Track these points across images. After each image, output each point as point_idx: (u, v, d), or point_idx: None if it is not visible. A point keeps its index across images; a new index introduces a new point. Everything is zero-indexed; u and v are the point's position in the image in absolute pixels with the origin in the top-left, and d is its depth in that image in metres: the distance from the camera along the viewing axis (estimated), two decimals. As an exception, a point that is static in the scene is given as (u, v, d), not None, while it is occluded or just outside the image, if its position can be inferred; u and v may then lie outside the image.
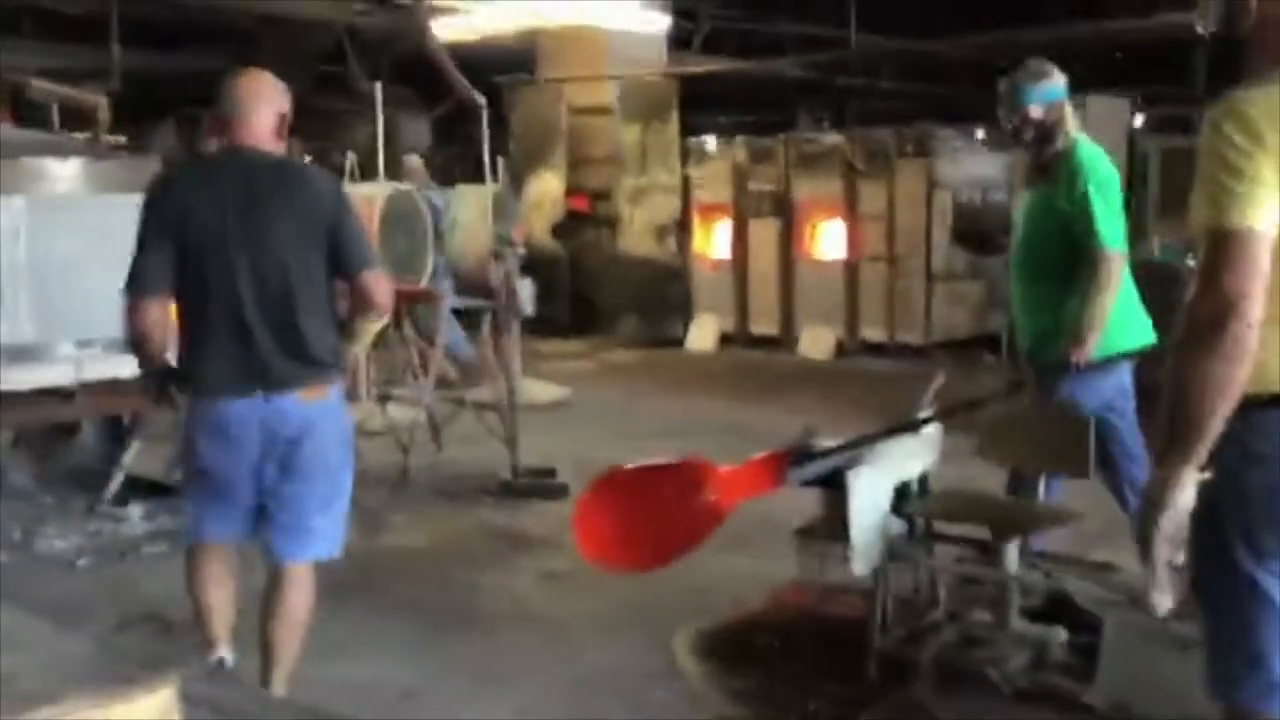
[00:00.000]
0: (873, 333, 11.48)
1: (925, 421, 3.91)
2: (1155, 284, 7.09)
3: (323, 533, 3.34)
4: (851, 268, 11.52)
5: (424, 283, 7.29)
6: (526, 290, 8.16)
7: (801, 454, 3.69)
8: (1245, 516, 2.03)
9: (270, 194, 3.23)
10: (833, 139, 11.85)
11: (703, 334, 12.30)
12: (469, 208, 7.80)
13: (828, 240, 11.83)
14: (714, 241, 12.54)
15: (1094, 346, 3.93)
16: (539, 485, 6.17)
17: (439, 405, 6.99)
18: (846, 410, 8.58)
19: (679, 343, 12.36)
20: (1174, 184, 9.15)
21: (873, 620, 3.68)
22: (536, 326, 8.91)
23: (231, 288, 3.19)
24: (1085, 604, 3.78)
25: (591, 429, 7.87)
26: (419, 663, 3.93)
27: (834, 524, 3.82)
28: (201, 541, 3.40)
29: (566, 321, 12.60)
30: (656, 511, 3.66)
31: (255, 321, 3.19)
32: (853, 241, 11.52)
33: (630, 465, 4.04)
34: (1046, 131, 4.07)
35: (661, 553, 3.76)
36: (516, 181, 11.95)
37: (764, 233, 12.01)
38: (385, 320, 3.48)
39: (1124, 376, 4.10)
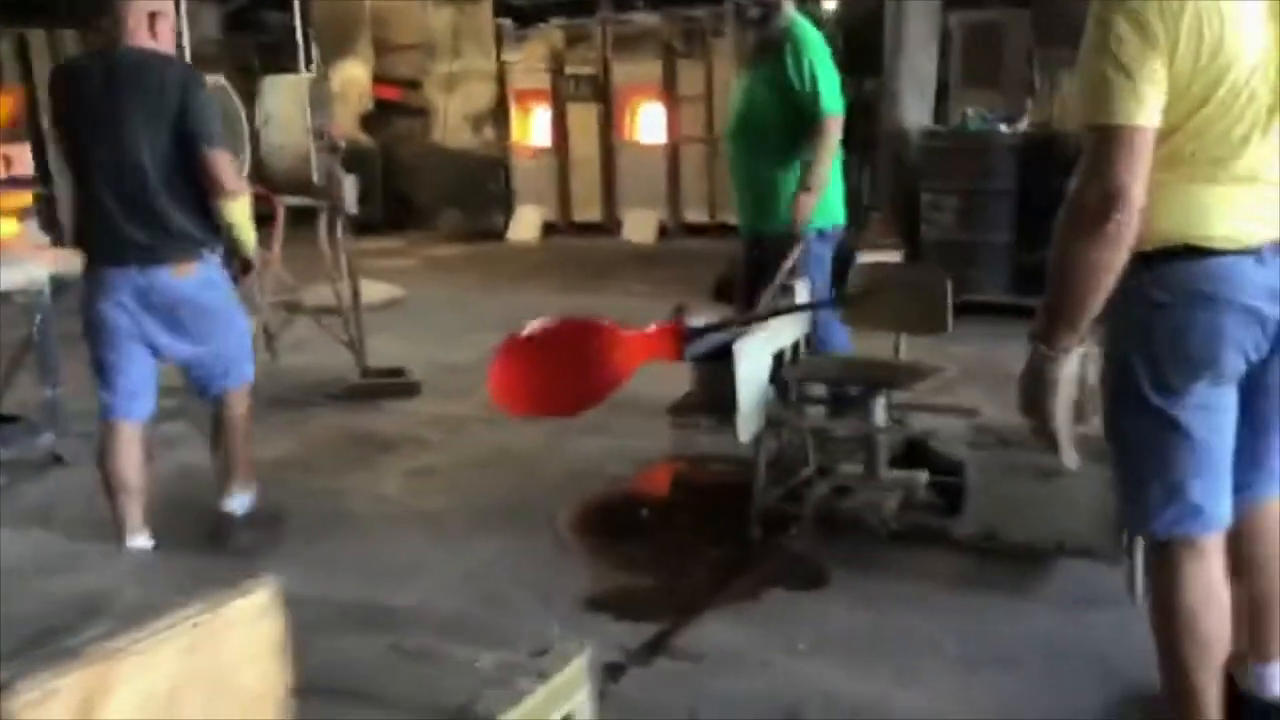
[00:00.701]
0: (694, 214, 11.60)
1: (812, 307, 4.03)
2: (969, 153, 7.44)
3: (236, 368, 3.91)
4: (672, 150, 11.55)
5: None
6: (350, 187, 7.88)
7: (700, 329, 3.73)
8: (1153, 360, 2.16)
9: (125, 85, 3.52)
10: (650, 19, 11.75)
11: (525, 224, 12.17)
12: (283, 100, 7.40)
13: (648, 124, 11.81)
14: (533, 129, 12.34)
15: (814, 209, 4.31)
16: (391, 384, 6.03)
17: (273, 313, 6.70)
18: (675, 289, 8.72)
19: (501, 235, 12.20)
20: (975, 57, 9.46)
21: (756, 482, 3.77)
22: (351, 224, 8.64)
23: (102, 171, 3.55)
24: (939, 448, 4.01)
25: (428, 327, 7.75)
26: (302, 572, 3.81)
27: (713, 396, 3.89)
28: (112, 419, 3.68)
29: (381, 218, 12.24)
30: (566, 365, 3.66)
31: (122, 201, 3.54)
32: (672, 124, 11.53)
33: (543, 321, 4.04)
34: (768, 10, 4.39)
35: (568, 403, 3.77)
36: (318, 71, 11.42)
37: (584, 118, 11.89)
38: (241, 203, 3.71)
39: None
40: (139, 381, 3.68)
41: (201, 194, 3.59)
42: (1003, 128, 7.25)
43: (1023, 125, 7.30)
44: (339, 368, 6.32)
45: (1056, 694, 2.86)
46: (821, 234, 4.44)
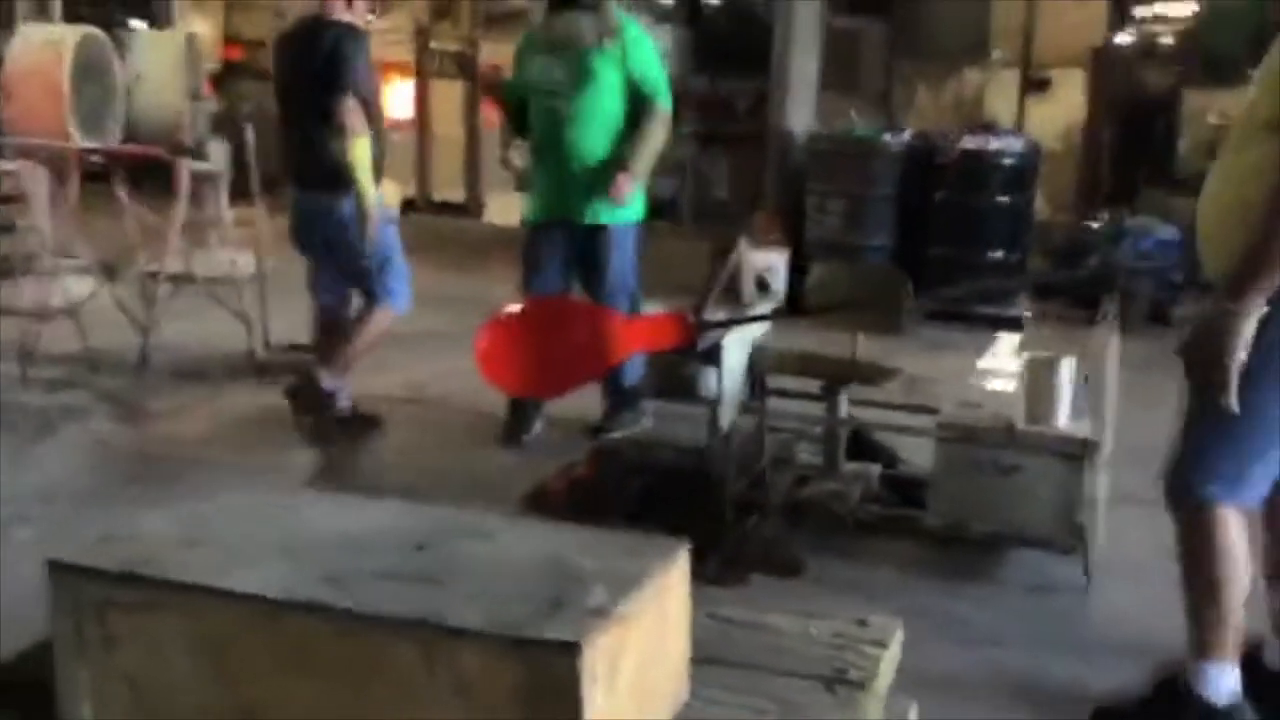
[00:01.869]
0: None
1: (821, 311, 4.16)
2: (854, 158, 7.77)
3: (383, 291, 4.99)
4: (539, 134, 11.53)
5: (114, 141, 6.60)
6: (221, 150, 7.64)
7: (719, 322, 3.80)
8: None
9: (303, 45, 4.66)
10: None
11: (384, 198, 11.91)
12: (156, 58, 7.09)
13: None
14: (393, 102, 12.07)
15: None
16: (303, 361, 5.87)
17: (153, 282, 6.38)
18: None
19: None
20: (833, 64, 9.82)
21: (728, 468, 3.89)
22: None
23: (289, 119, 4.87)
24: (878, 441, 4.27)
25: (305, 300, 7.50)
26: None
27: (685, 386, 4.02)
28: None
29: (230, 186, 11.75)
30: (559, 343, 3.64)
31: (296, 142, 4.82)
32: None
33: (537, 299, 4.04)
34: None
35: (555, 383, 3.76)
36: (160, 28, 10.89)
37: (448, 95, 11.73)
38: (358, 145, 4.52)
39: None
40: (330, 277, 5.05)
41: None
42: (887, 136, 7.61)
43: (906, 135, 7.68)
44: (231, 343, 6.12)
45: (1041, 670, 3.13)
46: (637, 224, 4.72)
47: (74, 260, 6.30)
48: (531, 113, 4.65)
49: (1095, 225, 8.46)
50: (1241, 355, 2.33)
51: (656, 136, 4.51)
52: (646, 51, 4.55)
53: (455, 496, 4.13)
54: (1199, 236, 2.60)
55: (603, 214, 4.60)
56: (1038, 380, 3.69)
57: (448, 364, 5.94)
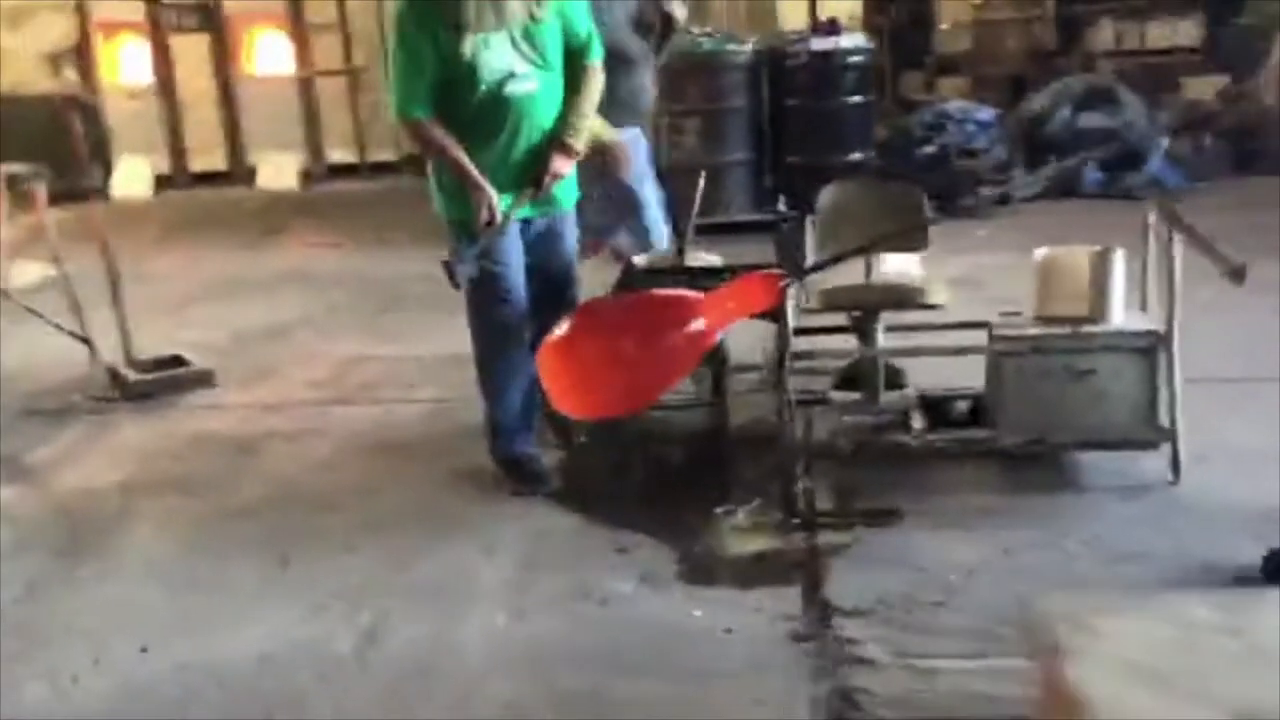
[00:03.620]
0: (340, 154, 10.76)
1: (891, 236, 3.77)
2: (704, 73, 7.45)
3: None
4: (306, 85, 10.58)
5: None
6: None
7: (802, 269, 3.41)
8: None
9: None
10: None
11: (131, 178, 10.63)
12: None
13: (269, 55, 10.71)
14: (126, 66, 10.76)
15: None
16: (183, 376, 5.07)
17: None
18: (371, 238, 8.10)
19: (103, 193, 10.57)
20: None
21: (790, 410, 3.58)
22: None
23: None
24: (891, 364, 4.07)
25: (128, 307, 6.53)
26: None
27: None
28: None
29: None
30: (638, 346, 3.18)
31: None
32: (303, 56, 10.55)
33: (602, 300, 3.52)
34: None
35: (642, 391, 3.30)
36: None
37: (191, 51, 10.56)
38: None
39: None
40: None
41: None
42: (731, 46, 7.35)
43: (750, 45, 7.43)
44: (71, 364, 5.22)
45: (1183, 558, 3.07)
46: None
47: None
48: (463, 101, 3.49)
49: (908, 116, 8.58)
50: None
51: (594, 101, 3.66)
52: (581, 15, 3.62)
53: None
54: None
55: (564, 200, 3.76)
56: (1098, 274, 3.58)
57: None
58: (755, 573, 3.21)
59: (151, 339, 5.30)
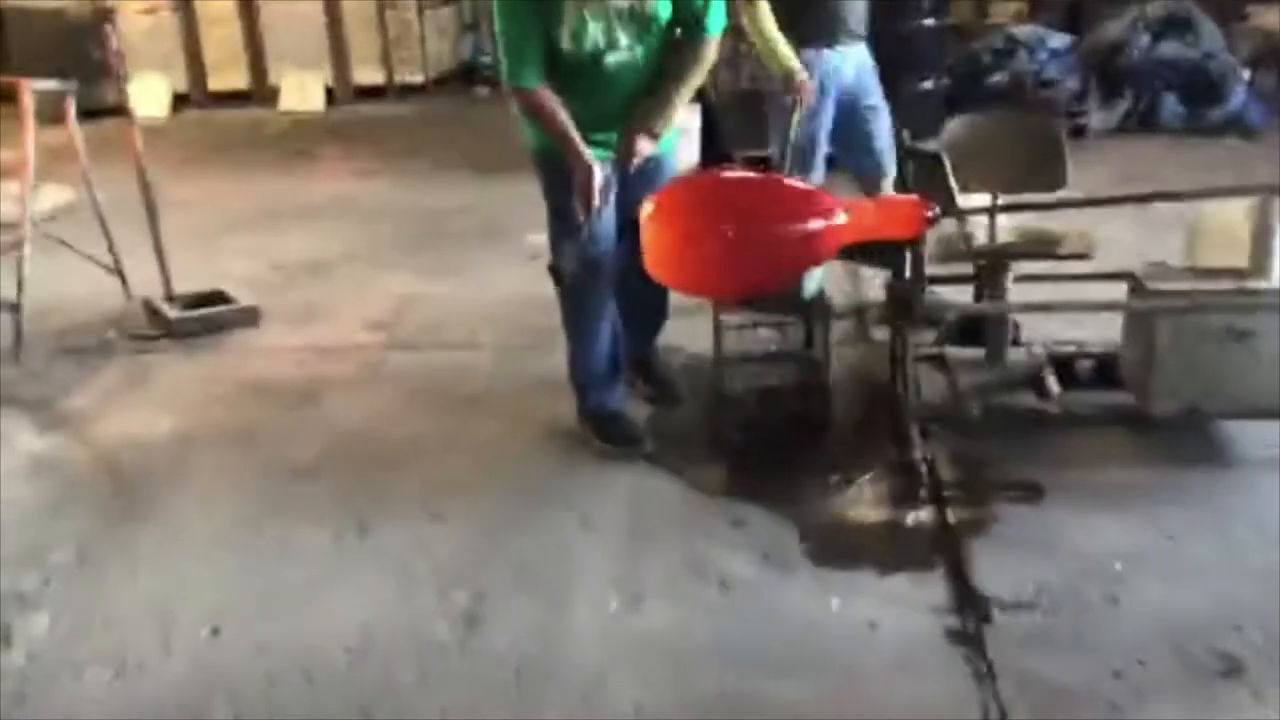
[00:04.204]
0: (366, 74, 10.30)
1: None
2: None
3: None
4: (332, 2, 10.09)
5: None
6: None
7: (955, 204, 3.03)
8: None
9: None
10: None
11: (149, 97, 10.13)
12: None
13: (295, -30, 10.19)
14: (145, -23, 10.24)
15: None
16: (226, 314, 4.72)
17: None
18: (411, 163, 7.71)
19: (116, 111, 10.11)
20: None
21: (908, 367, 3.25)
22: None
23: None
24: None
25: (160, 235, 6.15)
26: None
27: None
28: None
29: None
30: (756, 226, 2.77)
31: None
32: (328, -31, 10.04)
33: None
34: None
35: (753, 275, 2.90)
36: None
37: (212, -37, 10.06)
38: None
39: None
40: None
41: None
42: None
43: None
44: (105, 298, 4.89)
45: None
46: None
47: None
48: (563, 70, 3.12)
49: (977, 41, 8.12)
50: None
51: (695, 84, 3.22)
52: None
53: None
54: None
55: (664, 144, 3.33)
56: (1259, 226, 3.22)
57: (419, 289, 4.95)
58: (888, 554, 2.89)
59: (186, 272, 4.95)
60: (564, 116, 3.12)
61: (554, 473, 3.38)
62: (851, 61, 4.25)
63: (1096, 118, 7.53)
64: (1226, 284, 3.21)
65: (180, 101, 10.28)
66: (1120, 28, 7.77)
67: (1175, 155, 6.87)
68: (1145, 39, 7.60)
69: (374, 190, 7.22)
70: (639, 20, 3.11)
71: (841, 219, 2.86)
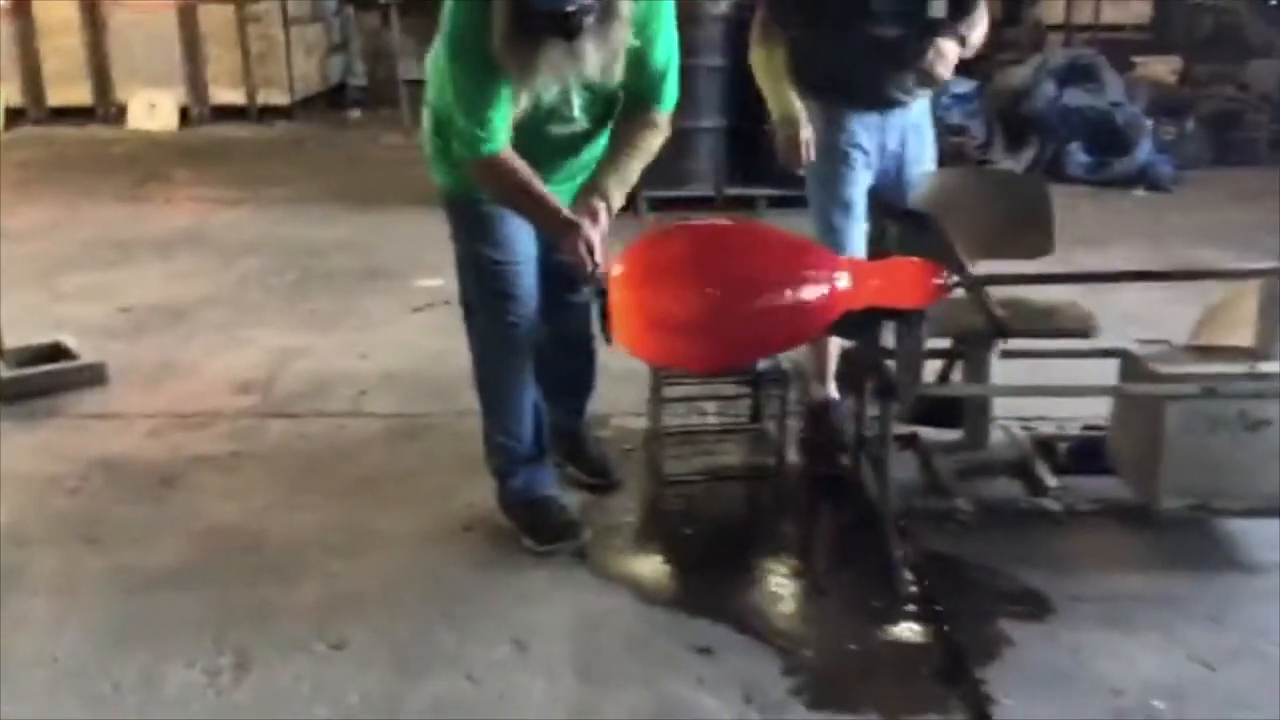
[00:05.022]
0: (226, 94, 9.54)
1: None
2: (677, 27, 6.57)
3: None
4: (188, 15, 9.31)
5: None
6: None
7: (966, 271, 2.57)
8: None
9: None
10: None
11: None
12: None
13: (145, -21, 9.39)
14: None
15: None
16: (67, 372, 4.01)
17: None
18: (288, 191, 7.04)
19: (-59, 127, 9.15)
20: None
21: (885, 459, 2.83)
22: None
23: None
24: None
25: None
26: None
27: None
28: None
29: None
30: (744, 290, 2.28)
31: None
32: (182, -20, 9.28)
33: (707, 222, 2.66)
34: None
35: (731, 346, 2.41)
36: None
37: (53, -32, 9.17)
38: None
39: None
40: None
41: None
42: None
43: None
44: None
45: None
46: None
47: None
48: (518, 134, 2.69)
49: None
50: None
51: (646, 161, 2.81)
52: (667, 41, 2.75)
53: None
54: None
55: None
56: (1267, 303, 2.91)
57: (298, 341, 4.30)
58: (894, 690, 2.44)
59: (17, 319, 4.22)
60: (536, 178, 2.64)
61: (477, 582, 2.82)
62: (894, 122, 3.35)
63: (1003, 166, 7.34)
64: (1239, 367, 2.88)
65: (14, 116, 9.36)
66: (1025, 74, 7.63)
67: (1088, 205, 6.69)
68: (1050, 86, 7.46)
69: (236, 222, 6.53)
70: (595, 91, 2.66)
71: (844, 282, 2.43)
